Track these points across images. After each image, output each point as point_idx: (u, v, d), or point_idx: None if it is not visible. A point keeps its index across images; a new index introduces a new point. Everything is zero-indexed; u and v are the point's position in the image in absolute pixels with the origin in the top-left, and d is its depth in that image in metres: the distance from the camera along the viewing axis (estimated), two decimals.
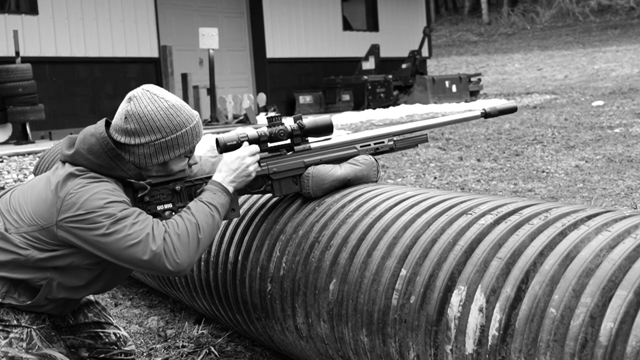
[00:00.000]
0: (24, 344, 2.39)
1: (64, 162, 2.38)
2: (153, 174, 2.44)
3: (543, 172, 7.13)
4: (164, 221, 2.32)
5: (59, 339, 2.52)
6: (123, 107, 2.37)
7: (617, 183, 6.33)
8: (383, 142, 2.74)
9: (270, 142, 2.60)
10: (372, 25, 20.42)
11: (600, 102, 14.03)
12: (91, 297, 2.76)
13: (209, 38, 13.70)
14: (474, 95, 19.29)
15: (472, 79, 19.58)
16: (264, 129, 2.59)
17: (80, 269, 2.38)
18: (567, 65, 26.11)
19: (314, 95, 17.51)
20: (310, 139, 2.68)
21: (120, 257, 2.26)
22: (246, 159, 2.49)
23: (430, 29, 21.45)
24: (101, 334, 2.70)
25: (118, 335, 2.73)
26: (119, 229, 2.23)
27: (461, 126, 11.18)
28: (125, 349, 2.73)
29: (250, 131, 2.58)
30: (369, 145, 2.73)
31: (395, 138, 2.75)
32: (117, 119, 2.38)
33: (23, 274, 2.35)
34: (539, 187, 6.37)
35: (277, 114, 2.64)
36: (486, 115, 2.81)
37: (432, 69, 26.63)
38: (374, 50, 18.42)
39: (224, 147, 2.54)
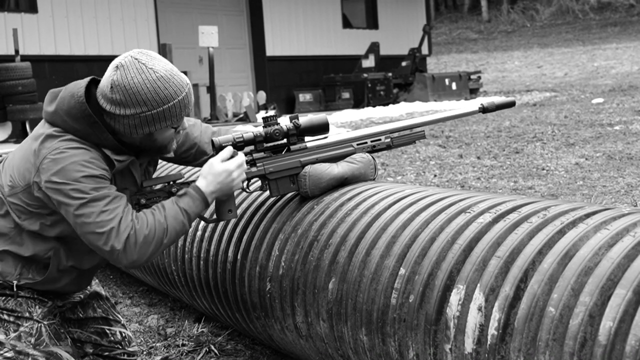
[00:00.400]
0: (32, 340, 2.40)
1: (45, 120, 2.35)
2: (137, 143, 2.39)
3: (543, 169, 7.12)
4: (134, 215, 2.28)
5: (66, 336, 2.53)
6: (110, 75, 2.28)
7: (617, 180, 6.33)
8: (380, 140, 2.73)
9: (266, 142, 2.58)
10: (372, 23, 20.40)
11: (600, 100, 14.02)
12: (102, 291, 2.76)
13: (209, 36, 13.70)
14: (473, 92, 19.28)
15: (472, 77, 19.58)
16: (260, 129, 2.57)
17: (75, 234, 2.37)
18: (567, 63, 26.09)
19: (314, 93, 17.50)
20: (306, 138, 2.67)
21: (83, 237, 2.27)
22: (233, 173, 2.42)
23: (430, 26, 21.44)
24: (107, 331, 2.70)
25: (124, 334, 2.73)
26: (87, 214, 2.21)
27: (461, 124, 11.17)
28: (129, 349, 2.73)
29: (245, 132, 2.57)
30: (366, 143, 2.72)
31: (392, 135, 2.74)
32: (104, 85, 2.30)
33: (29, 249, 2.36)
34: (539, 185, 6.37)
35: (276, 113, 2.64)
36: (484, 110, 2.79)
37: (432, 66, 26.62)
38: (373, 48, 18.41)
39: (219, 148, 2.51)
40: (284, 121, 2.64)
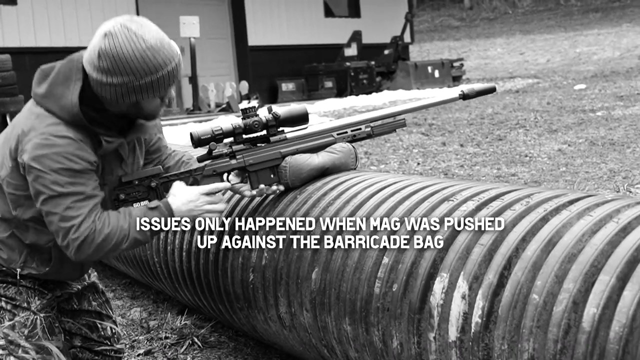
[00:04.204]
0: (26, 331, 2.39)
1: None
2: (124, 111, 2.33)
3: (526, 156, 7.14)
4: (97, 216, 2.25)
5: (60, 331, 2.51)
6: (97, 42, 2.25)
7: (600, 166, 6.35)
8: (360, 129, 2.71)
9: (245, 133, 2.56)
10: (354, 11, 20.36)
11: (583, 86, 14.07)
12: (100, 285, 2.74)
13: (190, 26, 13.63)
14: (456, 80, 19.31)
15: (455, 64, 19.61)
16: (239, 121, 2.55)
17: None
18: (549, 49, 26.16)
19: (297, 82, 17.46)
20: (286, 129, 2.65)
21: (48, 224, 2.25)
22: (205, 206, 2.39)
23: (412, 14, 21.42)
24: (99, 325, 2.67)
25: (114, 330, 2.71)
26: (54, 206, 2.20)
27: (444, 111, 11.18)
28: (117, 346, 2.71)
29: (224, 124, 2.55)
30: (346, 132, 2.70)
31: (372, 124, 2.73)
32: (91, 51, 2.26)
33: (31, 237, 2.34)
34: (522, 172, 6.38)
35: (258, 103, 2.62)
36: (464, 96, 2.79)
37: (414, 54, 26.61)
38: (356, 36, 18.39)
39: (198, 141, 2.49)
40: (263, 112, 2.61)
